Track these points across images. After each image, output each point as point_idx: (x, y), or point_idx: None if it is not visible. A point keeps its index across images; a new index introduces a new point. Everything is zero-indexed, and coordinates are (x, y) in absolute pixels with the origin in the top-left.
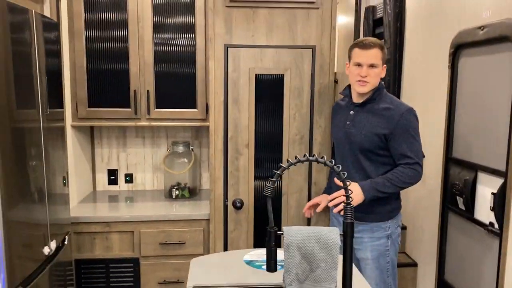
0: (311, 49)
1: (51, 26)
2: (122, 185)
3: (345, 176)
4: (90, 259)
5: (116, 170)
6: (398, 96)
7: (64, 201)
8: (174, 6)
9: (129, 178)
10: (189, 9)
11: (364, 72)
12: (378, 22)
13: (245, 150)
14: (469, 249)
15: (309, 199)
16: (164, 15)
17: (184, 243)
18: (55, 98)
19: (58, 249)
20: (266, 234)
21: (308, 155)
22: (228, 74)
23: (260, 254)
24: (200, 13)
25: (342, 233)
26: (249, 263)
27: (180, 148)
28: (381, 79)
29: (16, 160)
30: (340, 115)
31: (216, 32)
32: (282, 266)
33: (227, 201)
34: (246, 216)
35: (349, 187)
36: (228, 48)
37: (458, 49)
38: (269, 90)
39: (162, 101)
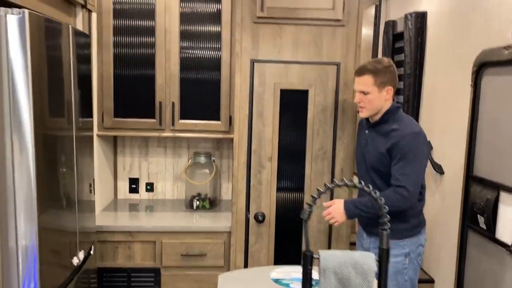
0: (336, 66)
1: (83, 38)
2: (142, 193)
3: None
4: (112, 268)
5: (138, 178)
6: (417, 111)
7: (90, 209)
8: (201, 17)
9: (149, 187)
10: (216, 21)
11: (356, 98)
12: (398, 36)
13: (268, 164)
14: (489, 269)
15: None
16: (191, 27)
17: (205, 255)
18: (86, 108)
19: (84, 258)
20: (303, 258)
21: (346, 180)
22: (254, 88)
23: (286, 272)
24: (226, 27)
25: (378, 259)
26: (276, 281)
27: (202, 159)
28: (398, 95)
29: (48, 167)
30: (362, 132)
31: (243, 47)
32: (312, 284)
33: (249, 214)
34: (268, 230)
35: (333, 205)
36: (254, 63)
37: (481, 67)
38: (293, 105)
39: (187, 112)
